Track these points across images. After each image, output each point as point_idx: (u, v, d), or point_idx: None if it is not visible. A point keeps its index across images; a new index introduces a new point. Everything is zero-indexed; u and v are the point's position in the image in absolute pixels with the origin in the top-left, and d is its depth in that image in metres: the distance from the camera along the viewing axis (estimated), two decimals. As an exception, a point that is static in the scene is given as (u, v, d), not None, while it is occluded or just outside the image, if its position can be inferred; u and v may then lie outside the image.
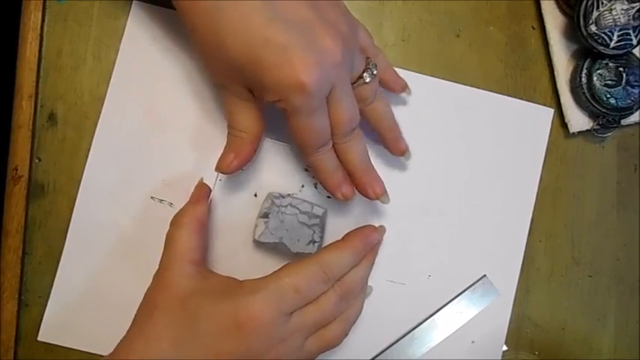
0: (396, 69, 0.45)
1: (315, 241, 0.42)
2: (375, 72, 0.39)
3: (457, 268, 0.46)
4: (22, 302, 0.44)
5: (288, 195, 0.43)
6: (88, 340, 0.44)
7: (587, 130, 0.47)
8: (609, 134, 0.47)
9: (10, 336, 0.43)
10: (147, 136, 0.44)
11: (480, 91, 0.47)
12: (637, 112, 0.47)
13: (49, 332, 0.44)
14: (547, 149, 0.47)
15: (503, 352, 0.46)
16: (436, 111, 0.46)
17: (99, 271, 0.44)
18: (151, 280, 0.39)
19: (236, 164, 0.39)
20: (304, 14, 0.34)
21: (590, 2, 0.44)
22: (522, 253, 0.46)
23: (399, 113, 0.44)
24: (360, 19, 0.46)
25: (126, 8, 0.45)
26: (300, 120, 0.36)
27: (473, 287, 0.46)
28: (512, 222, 0.46)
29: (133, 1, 0.45)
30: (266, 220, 0.42)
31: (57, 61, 0.45)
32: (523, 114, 0.47)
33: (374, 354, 0.45)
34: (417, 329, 0.45)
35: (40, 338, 0.44)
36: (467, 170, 0.46)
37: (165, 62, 0.45)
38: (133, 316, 0.39)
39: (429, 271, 0.46)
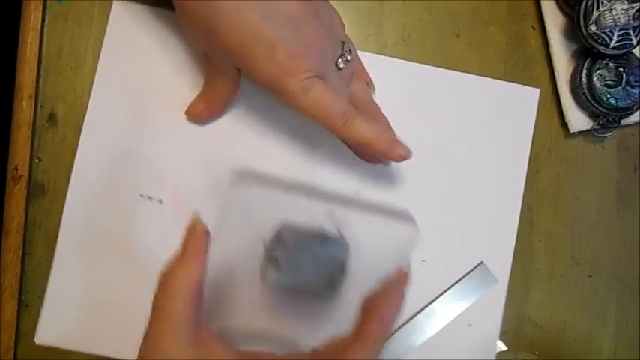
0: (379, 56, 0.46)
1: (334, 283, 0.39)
2: (349, 58, 0.40)
3: (450, 252, 0.46)
4: (22, 302, 0.44)
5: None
6: (84, 341, 0.44)
7: (587, 130, 0.47)
8: (609, 134, 0.47)
9: (10, 336, 0.43)
10: (132, 135, 0.44)
11: (465, 74, 0.47)
12: (637, 112, 0.47)
13: (45, 335, 0.44)
14: (547, 148, 0.47)
15: (503, 352, 0.46)
16: (422, 97, 0.46)
17: (92, 272, 0.44)
18: (144, 277, 0.38)
19: (205, 116, 0.43)
20: (293, 11, 0.36)
21: (590, 2, 0.44)
22: (515, 236, 0.46)
23: (386, 102, 0.44)
24: (360, 19, 0.47)
25: (126, 8, 0.45)
26: (300, 102, 0.37)
27: (470, 275, 0.46)
28: (504, 204, 0.47)
29: (114, 1, 0.45)
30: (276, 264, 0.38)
31: (57, 61, 0.45)
32: (509, 95, 0.47)
33: None
34: (416, 317, 0.45)
35: (36, 341, 0.43)
36: (456, 154, 0.46)
37: (149, 61, 0.45)
38: (128, 315, 0.37)
39: (423, 257, 0.46)
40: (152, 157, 0.44)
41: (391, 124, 0.44)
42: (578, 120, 0.47)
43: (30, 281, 0.44)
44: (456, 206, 0.46)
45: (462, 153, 0.46)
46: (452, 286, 0.46)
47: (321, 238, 0.38)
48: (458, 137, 0.46)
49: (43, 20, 0.44)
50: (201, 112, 0.43)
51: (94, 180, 0.44)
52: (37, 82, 0.44)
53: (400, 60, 0.46)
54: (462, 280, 0.46)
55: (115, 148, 0.44)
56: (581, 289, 0.47)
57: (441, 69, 0.47)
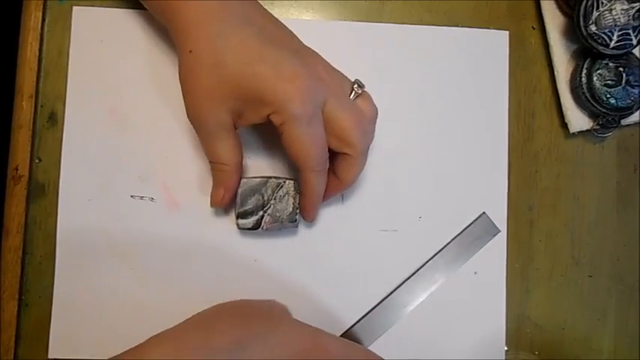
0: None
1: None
2: (360, 91, 0.40)
3: (445, 206, 0.46)
4: (22, 302, 0.44)
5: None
6: (95, 348, 0.44)
7: (587, 130, 0.47)
8: (609, 134, 0.47)
9: (10, 336, 0.43)
10: (114, 137, 0.45)
11: (432, 27, 0.47)
12: (637, 112, 0.47)
13: (58, 349, 0.44)
14: (547, 148, 0.47)
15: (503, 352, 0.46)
16: (394, 56, 0.47)
17: (95, 278, 0.44)
18: (147, 279, 0.38)
19: (227, 197, 0.42)
20: (292, 43, 0.39)
21: (590, 2, 0.44)
22: (506, 182, 0.47)
23: (360, 65, 0.45)
24: (360, 19, 0.47)
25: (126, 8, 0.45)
26: (299, 129, 0.37)
27: (473, 225, 0.46)
28: (491, 151, 0.47)
29: (73, 7, 0.45)
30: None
31: (57, 61, 0.45)
32: (479, 42, 0.47)
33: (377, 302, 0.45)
34: (420, 270, 0.45)
35: (50, 356, 0.43)
36: (437, 107, 0.47)
37: (119, 62, 0.45)
38: (135, 317, 0.38)
39: (419, 213, 0.46)
40: (135, 156, 0.45)
41: (373, 88, 0.44)
42: (578, 120, 0.47)
43: (30, 281, 0.44)
44: (444, 160, 0.46)
45: (441, 105, 0.47)
46: (455, 237, 0.46)
47: (274, 184, 0.43)
48: (435, 90, 0.47)
49: (43, 20, 0.44)
50: (224, 197, 0.42)
51: (82, 189, 0.44)
52: (37, 82, 0.44)
53: (362, 22, 0.47)
54: (465, 232, 0.46)
55: (98, 155, 0.44)
56: (581, 289, 0.47)
57: (407, 25, 0.47)
